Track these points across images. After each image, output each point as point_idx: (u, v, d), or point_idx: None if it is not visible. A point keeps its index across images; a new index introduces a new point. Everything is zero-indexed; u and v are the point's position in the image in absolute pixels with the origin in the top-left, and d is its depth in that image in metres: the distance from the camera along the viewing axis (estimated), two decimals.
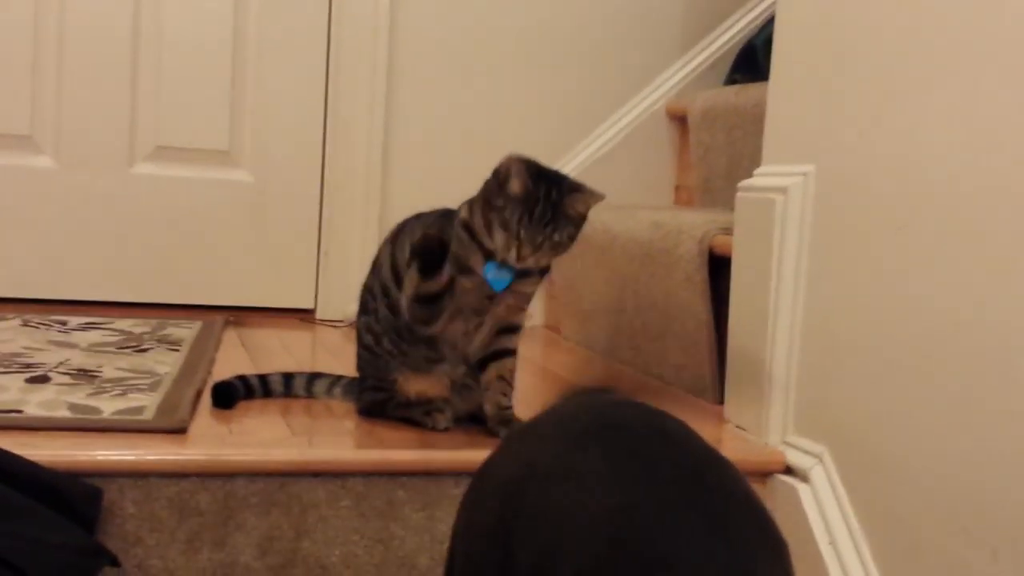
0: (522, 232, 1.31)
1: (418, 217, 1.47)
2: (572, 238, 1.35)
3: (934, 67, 1.23)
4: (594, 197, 1.35)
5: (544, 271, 1.40)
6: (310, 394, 1.55)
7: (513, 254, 1.32)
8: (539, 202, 1.32)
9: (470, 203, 1.39)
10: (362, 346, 1.47)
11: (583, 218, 1.36)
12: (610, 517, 0.73)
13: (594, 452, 0.79)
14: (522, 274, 1.37)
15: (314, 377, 1.56)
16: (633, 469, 0.77)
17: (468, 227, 1.37)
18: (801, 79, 1.48)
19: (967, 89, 1.18)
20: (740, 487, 0.79)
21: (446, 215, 1.43)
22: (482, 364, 1.41)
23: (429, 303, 1.37)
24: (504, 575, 0.78)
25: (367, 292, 1.47)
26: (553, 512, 0.76)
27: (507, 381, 1.42)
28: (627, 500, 0.74)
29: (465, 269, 1.36)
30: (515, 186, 1.32)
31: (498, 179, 1.34)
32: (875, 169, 1.32)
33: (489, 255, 1.35)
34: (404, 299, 1.39)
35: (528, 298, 1.42)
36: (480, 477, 0.90)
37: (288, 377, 1.56)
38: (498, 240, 1.33)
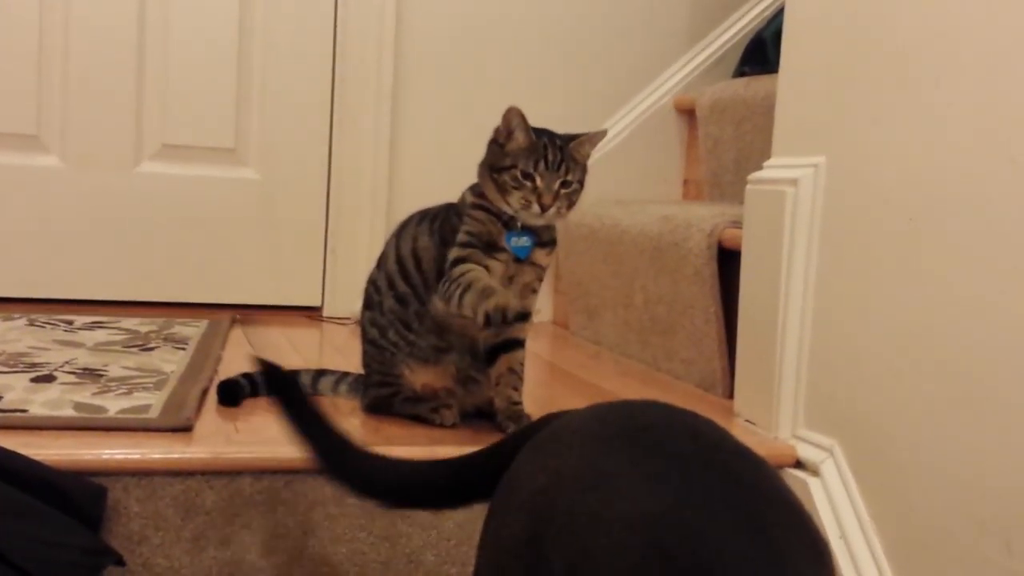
0: (539, 179, 1.33)
1: (421, 212, 1.46)
2: (582, 183, 1.38)
3: (947, 56, 1.22)
4: (597, 136, 1.39)
5: (552, 241, 1.41)
6: (316, 391, 1.54)
7: (535, 207, 1.34)
8: (547, 148, 1.35)
9: (471, 187, 1.41)
10: (367, 341, 1.46)
11: (587, 161, 1.39)
12: (645, 522, 0.71)
13: (623, 456, 0.77)
14: (540, 241, 1.38)
15: (320, 374, 1.55)
16: (665, 472, 0.74)
17: (482, 206, 1.38)
18: (811, 70, 1.47)
19: (981, 78, 1.17)
20: (777, 487, 0.77)
21: (451, 208, 1.42)
22: (491, 355, 1.40)
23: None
24: None
25: (371, 286, 1.46)
26: (586, 518, 0.74)
27: (517, 374, 1.41)
28: (662, 504, 0.71)
29: (492, 245, 1.37)
30: (520, 137, 1.35)
31: (499, 140, 1.37)
32: (886, 160, 1.31)
33: (506, 224, 1.37)
34: (439, 303, 1.37)
35: (542, 275, 1.41)
36: (504, 490, 0.87)
37: (294, 374, 1.54)
38: (515, 199, 1.34)
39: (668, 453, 0.76)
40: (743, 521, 0.71)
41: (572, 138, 1.38)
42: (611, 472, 0.76)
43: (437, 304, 1.37)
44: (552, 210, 1.34)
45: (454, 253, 1.37)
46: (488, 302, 1.29)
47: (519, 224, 1.37)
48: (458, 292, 1.33)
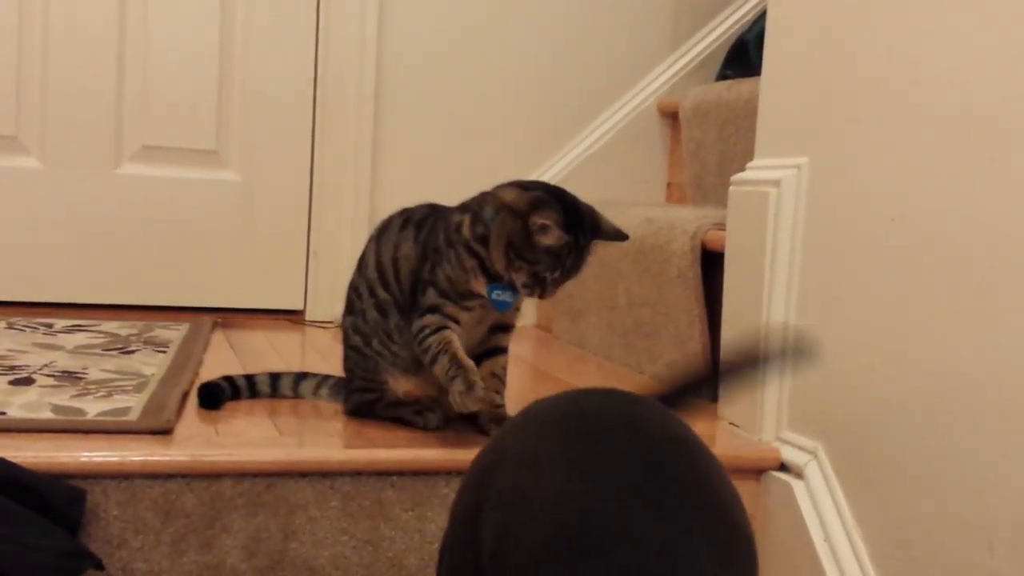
0: (549, 283, 1.30)
1: (402, 213, 1.44)
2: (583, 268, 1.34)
3: (925, 57, 1.22)
4: (617, 241, 1.34)
5: None
6: (297, 394, 1.53)
7: (536, 295, 1.31)
8: (571, 253, 1.28)
9: (471, 216, 1.33)
10: (350, 347, 1.44)
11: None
12: (557, 502, 0.74)
13: (556, 439, 0.81)
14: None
15: (301, 377, 1.54)
16: (587, 456, 0.78)
17: (476, 254, 1.32)
18: (793, 71, 1.47)
19: (959, 79, 1.17)
20: (701, 476, 0.79)
21: (434, 211, 1.41)
22: (475, 361, 1.39)
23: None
24: (475, 559, 0.80)
25: (353, 291, 1.45)
26: (511, 496, 0.78)
27: (500, 378, 1.40)
28: (575, 486, 0.75)
29: (465, 294, 1.34)
30: (549, 239, 1.26)
31: (524, 221, 1.26)
32: (868, 161, 1.31)
33: (492, 278, 1.32)
34: (417, 326, 1.35)
35: (523, 300, 1.40)
36: (470, 466, 0.91)
37: (275, 377, 1.54)
38: (519, 279, 1.30)
39: (598, 440, 0.80)
40: (654, 510, 0.73)
41: (596, 230, 1.30)
42: (541, 455, 0.80)
43: (415, 327, 1.36)
44: (548, 297, 1.33)
45: (429, 298, 1.34)
46: (470, 398, 1.27)
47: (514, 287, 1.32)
48: (432, 355, 1.31)
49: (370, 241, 1.45)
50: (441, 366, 1.30)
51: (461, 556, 0.83)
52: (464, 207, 1.36)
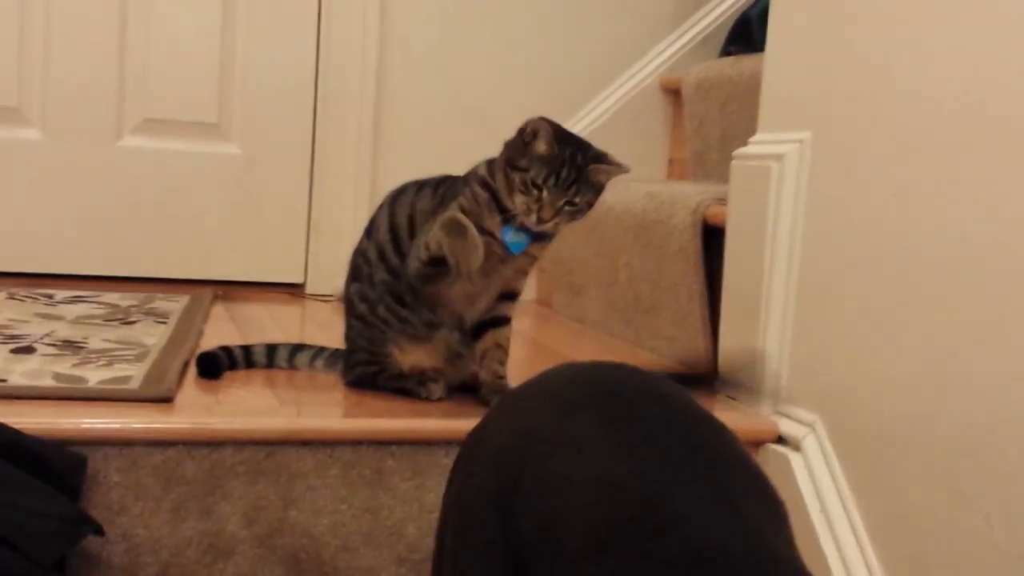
0: (545, 193, 1.30)
1: (417, 181, 1.44)
2: (591, 204, 1.34)
3: (931, 31, 1.22)
4: (618, 169, 1.34)
5: (550, 236, 1.38)
6: (292, 365, 1.53)
7: (534, 217, 1.31)
8: (564, 164, 1.30)
9: (490, 162, 1.37)
10: (354, 316, 1.43)
11: (603, 187, 1.35)
12: (611, 484, 0.72)
13: (589, 419, 0.78)
14: (537, 237, 1.35)
15: (297, 349, 1.54)
16: (630, 436, 0.76)
17: (488, 186, 1.35)
18: (797, 45, 1.46)
19: (966, 53, 1.17)
20: (738, 451, 0.79)
21: (450, 176, 1.41)
22: (478, 331, 1.39)
23: (440, 264, 1.35)
24: (506, 544, 0.77)
25: (360, 257, 1.44)
26: (553, 481, 0.75)
27: (503, 349, 1.40)
28: (627, 467, 0.73)
29: (480, 230, 1.34)
30: (541, 146, 1.31)
31: (523, 138, 1.32)
32: (871, 134, 1.31)
33: (506, 217, 1.33)
34: (413, 260, 1.37)
35: (534, 262, 1.40)
36: (471, 446, 0.88)
37: (271, 348, 1.54)
38: (518, 202, 1.31)
39: (634, 417, 0.78)
40: (706, 484, 0.73)
41: (597, 158, 1.33)
42: (578, 436, 0.77)
43: (411, 263, 1.37)
44: (550, 224, 1.31)
45: (446, 213, 1.35)
46: (475, 256, 1.30)
47: (518, 220, 1.33)
48: (442, 222, 1.33)
49: (381, 207, 1.45)
50: (446, 225, 1.32)
51: (483, 540, 0.80)
52: (488, 160, 1.39)
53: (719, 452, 0.77)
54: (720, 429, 0.81)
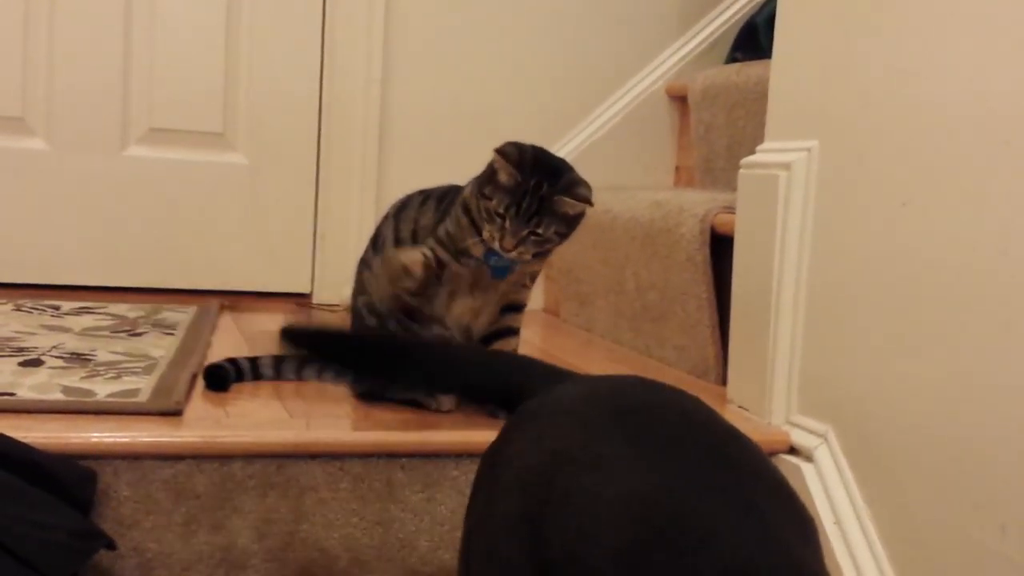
0: (507, 222, 1.30)
1: (421, 192, 1.44)
2: (561, 235, 1.34)
3: (940, 39, 1.21)
4: (579, 205, 1.33)
5: (545, 253, 1.37)
6: (300, 377, 1.53)
7: (497, 246, 1.32)
8: (527, 195, 1.30)
9: (475, 180, 1.37)
10: (364, 329, 1.44)
11: (575, 219, 1.34)
12: (642, 500, 0.72)
13: (615, 437, 0.78)
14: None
15: (304, 360, 1.54)
16: (658, 452, 0.76)
17: (467, 209, 1.36)
18: (804, 53, 1.46)
19: (975, 61, 1.16)
20: (766, 465, 0.79)
21: (454, 187, 1.41)
22: (485, 343, 1.39)
23: (416, 295, 1.37)
24: (534, 566, 0.77)
25: (367, 269, 1.44)
26: (583, 499, 0.75)
27: None
28: (657, 483, 0.73)
29: (461, 252, 1.34)
30: (503, 176, 1.31)
31: (491, 168, 1.33)
32: (879, 143, 1.30)
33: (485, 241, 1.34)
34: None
35: (532, 276, 1.40)
36: (493, 466, 0.87)
37: (279, 360, 1.53)
38: (485, 230, 1.32)
39: (660, 434, 0.78)
40: (735, 499, 0.72)
41: (564, 190, 1.31)
42: (606, 453, 0.77)
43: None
44: (514, 253, 1.31)
45: (428, 244, 1.37)
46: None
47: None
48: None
49: (386, 218, 1.45)
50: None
51: (511, 562, 0.80)
52: (475, 177, 1.39)
53: (746, 467, 0.77)
54: (746, 443, 0.81)
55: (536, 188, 1.30)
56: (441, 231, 1.37)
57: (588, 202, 1.33)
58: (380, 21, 2.32)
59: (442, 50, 2.39)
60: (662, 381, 0.89)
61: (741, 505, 0.72)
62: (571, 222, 1.33)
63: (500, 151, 1.32)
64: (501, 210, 1.30)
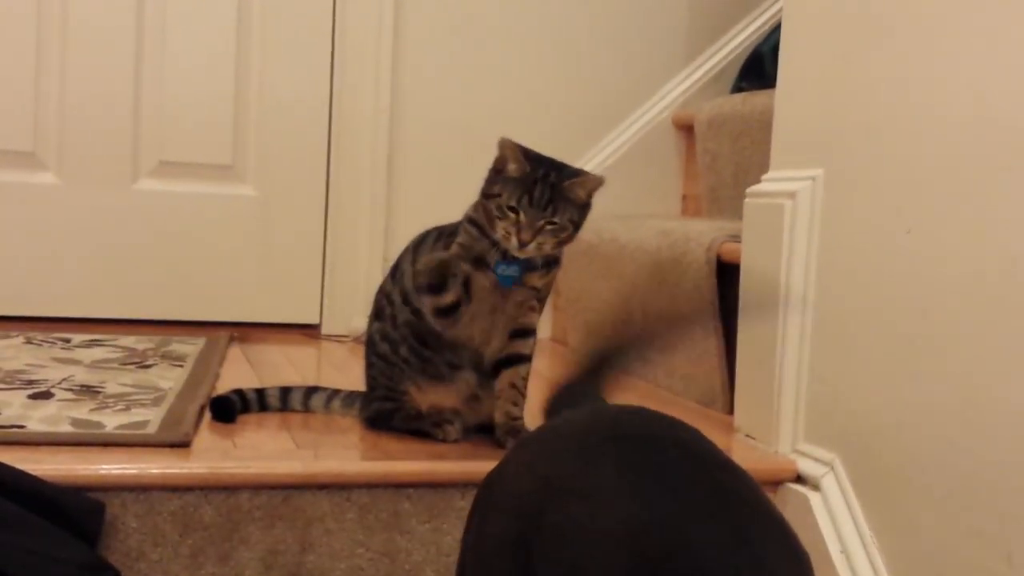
0: (521, 214, 1.30)
1: (439, 229, 1.45)
2: (575, 223, 1.33)
3: (943, 67, 1.22)
4: (593, 181, 1.34)
5: (552, 263, 1.38)
6: (307, 408, 1.53)
7: (514, 241, 1.30)
8: (537, 183, 1.31)
9: (476, 202, 1.38)
10: (375, 354, 1.44)
11: (586, 204, 1.34)
12: (632, 533, 0.72)
13: (608, 466, 0.78)
14: (530, 267, 1.35)
15: (312, 391, 1.55)
16: (650, 482, 0.75)
17: (475, 222, 1.36)
18: (808, 82, 1.47)
19: (978, 89, 1.17)
20: (759, 497, 0.79)
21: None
22: (496, 370, 1.39)
23: (449, 313, 1.36)
24: None
25: (384, 298, 1.45)
26: (574, 529, 0.75)
27: (518, 390, 1.40)
28: (647, 514, 0.73)
29: (479, 261, 1.34)
30: (512, 168, 1.32)
31: (497, 166, 1.34)
32: (883, 171, 1.31)
33: (498, 250, 1.34)
34: (427, 315, 1.38)
35: (538, 295, 1.39)
36: (490, 489, 0.88)
37: (285, 391, 1.54)
38: (499, 229, 1.32)
39: (653, 464, 0.78)
40: (728, 532, 0.72)
41: (573, 175, 1.33)
42: (598, 483, 0.77)
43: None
44: (532, 246, 1.30)
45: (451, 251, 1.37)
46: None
47: (502, 248, 1.33)
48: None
49: (406, 251, 1.46)
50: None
51: None
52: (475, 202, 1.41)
53: (740, 500, 0.76)
54: (741, 476, 0.80)
55: (545, 176, 1.31)
56: (455, 249, 1.37)
57: (598, 179, 1.34)
58: (388, 54, 2.34)
59: (449, 83, 2.41)
60: (663, 412, 0.89)
61: (732, 538, 0.71)
62: (582, 207, 1.34)
63: (504, 145, 1.33)
64: (513, 202, 1.30)
